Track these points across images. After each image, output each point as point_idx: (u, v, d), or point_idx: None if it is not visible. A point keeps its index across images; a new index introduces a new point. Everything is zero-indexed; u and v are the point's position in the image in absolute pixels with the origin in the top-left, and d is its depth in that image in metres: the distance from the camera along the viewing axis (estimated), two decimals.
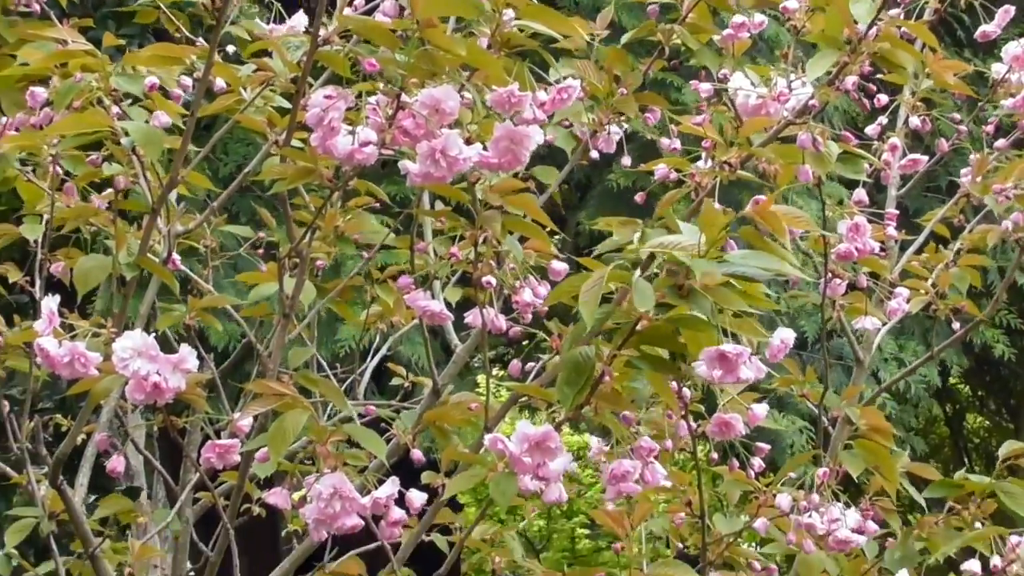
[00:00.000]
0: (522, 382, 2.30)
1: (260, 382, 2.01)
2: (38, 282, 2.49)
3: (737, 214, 1.87)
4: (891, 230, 2.82)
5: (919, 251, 3.03)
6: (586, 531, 11.92)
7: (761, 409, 2.35)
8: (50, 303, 2.05)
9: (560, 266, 2.35)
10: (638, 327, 1.86)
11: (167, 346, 2.00)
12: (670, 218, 1.90)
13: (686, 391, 2.19)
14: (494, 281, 2.25)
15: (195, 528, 2.72)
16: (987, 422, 11.20)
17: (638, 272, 1.82)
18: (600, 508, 2.65)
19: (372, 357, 2.83)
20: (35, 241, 2.44)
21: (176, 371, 1.96)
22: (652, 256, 1.83)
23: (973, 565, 2.11)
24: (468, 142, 2.01)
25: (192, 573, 2.64)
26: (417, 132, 1.95)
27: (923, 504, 2.46)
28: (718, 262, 1.80)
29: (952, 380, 9.72)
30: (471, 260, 2.23)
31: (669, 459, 2.60)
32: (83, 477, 2.65)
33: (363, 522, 1.96)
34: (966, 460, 10.59)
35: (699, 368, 1.86)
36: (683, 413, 2.29)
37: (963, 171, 3.00)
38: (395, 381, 2.85)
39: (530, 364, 2.42)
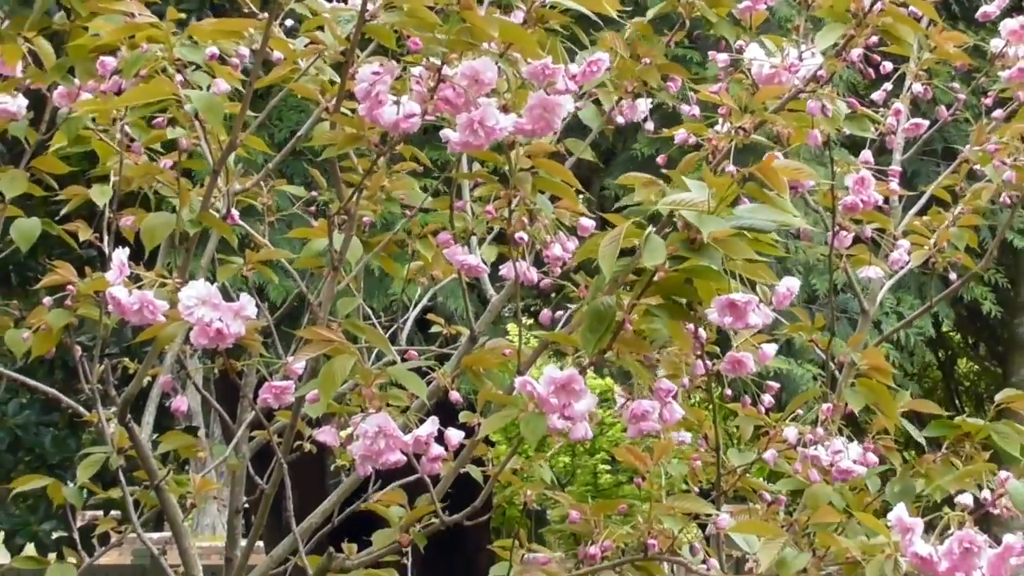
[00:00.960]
0: (551, 330, 2.32)
1: (311, 329, 2.02)
2: (106, 238, 2.51)
3: (739, 174, 1.89)
4: (894, 185, 2.84)
5: (921, 213, 3.05)
6: (607, 467, 11.97)
7: (770, 348, 2.38)
8: (120, 255, 2.07)
9: (588, 223, 2.37)
10: (655, 278, 1.88)
11: (227, 297, 2.02)
12: (677, 177, 1.91)
13: (702, 332, 2.20)
14: (526, 237, 2.26)
15: (250, 463, 2.74)
16: (976, 367, 11.22)
17: (651, 228, 1.86)
18: (621, 445, 2.66)
19: (414, 308, 2.85)
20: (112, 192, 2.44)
21: (237, 318, 1.98)
22: (671, 213, 1.85)
23: (966, 498, 2.11)
24: (504, 110, 2.02)
25: (247, 505, 2.65)
26: (457, 101, 1.96)
27: (923, 442, 2.47)
28: (726, 217, 1.82)
29: (945, 329, 9.76)
30: (505, 218, 2.25)
31: (685, 397, 2.61)
32: (149, 416, 2.67)
33: (405, 458, 1.97)
34: (957, 401, 10.63)
35: (711, 315, 1.89)
36: (699, 353, 2.31)
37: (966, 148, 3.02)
38: (435, 329, 2.86)
39: (559, 313, 2.43)
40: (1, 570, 6.54)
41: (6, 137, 2.64)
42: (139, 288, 2.05)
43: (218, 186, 2.33)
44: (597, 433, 9.95)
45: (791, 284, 2.14)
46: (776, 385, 2.72)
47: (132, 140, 2.44)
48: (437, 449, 2.01)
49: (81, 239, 2.63)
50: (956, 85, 3.12)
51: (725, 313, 1.90)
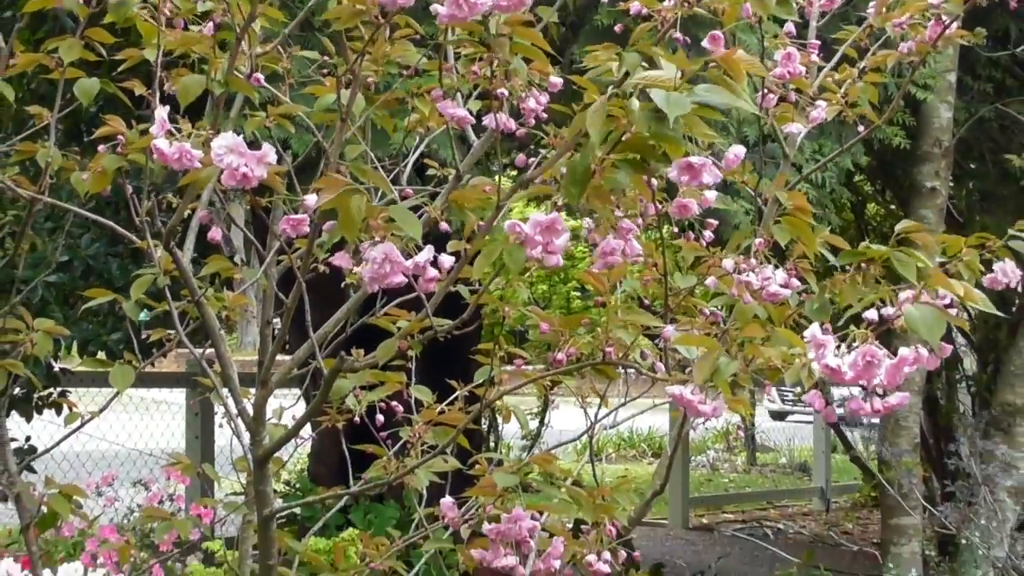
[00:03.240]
0: (525, 171, 2.34)
1: (326, 177, 2.02)
2: (157, 95, 2.50)
3: (705, 59, 1.92)
4: (814, 57, 2.90)
5: (833, 69, 3.06)
6: (578, 294, 12.09)
7: (711, 194, 2.42)
8: (161, 112, 2.09)
9: (556, 80, 2.39)
10: (623, 138, 1.91)
11: (254, 146, 2.03)
12: (645, 45, 1.94)
13: (654, 181, 2.23)
14: (506, 92, 2.28)
15: (277, 285, 2.75)
16: (883, 210, 11.29)
17: (635, 101, 1.89)
18: (585, 270, 2.69)
19: (412, 154, 2.85)
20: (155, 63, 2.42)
21: (259, 163, 2.00)
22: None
23: (871, 314, 2.12)
24: None
25: (276, 318, 2.67)
26: None
27: (838, 266, 2.49)
28: (688, 94, 1.86)
29: (858, 178, 9.85)
30: (487, 77, 2.26)
31: (641, 232, 2.64)
32: (189, 243, 2.67)
33: (406, 279, 2.00)
34: (866, 238, 10.73)
35: (671, 173, 1.94)
36: (651, 198, 2.34)
37: (870, 6, 3.02)
38: (430, 172, 2.87)
39: (531, 160, 2.45)
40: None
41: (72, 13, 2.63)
42: (178, 140, 2.07)
43: (243, 49, 2.33)
44: (569, 265, 10.02)
45: (738, 151, 2.26)
46: (715, 222, 2.76)
47: (171, 18, 2.42)
48: (432, 272, 2.04)
49: (136, 94, 2.62)
50: None
51: (683, 173, 1.99)
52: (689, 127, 1.91)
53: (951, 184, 8.32)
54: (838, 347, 2.03)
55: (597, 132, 1.89)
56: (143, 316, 6.36)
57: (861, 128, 3.05)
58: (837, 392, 9.58)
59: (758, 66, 2.03)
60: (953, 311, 2.13)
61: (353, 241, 2.01)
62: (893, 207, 10.52)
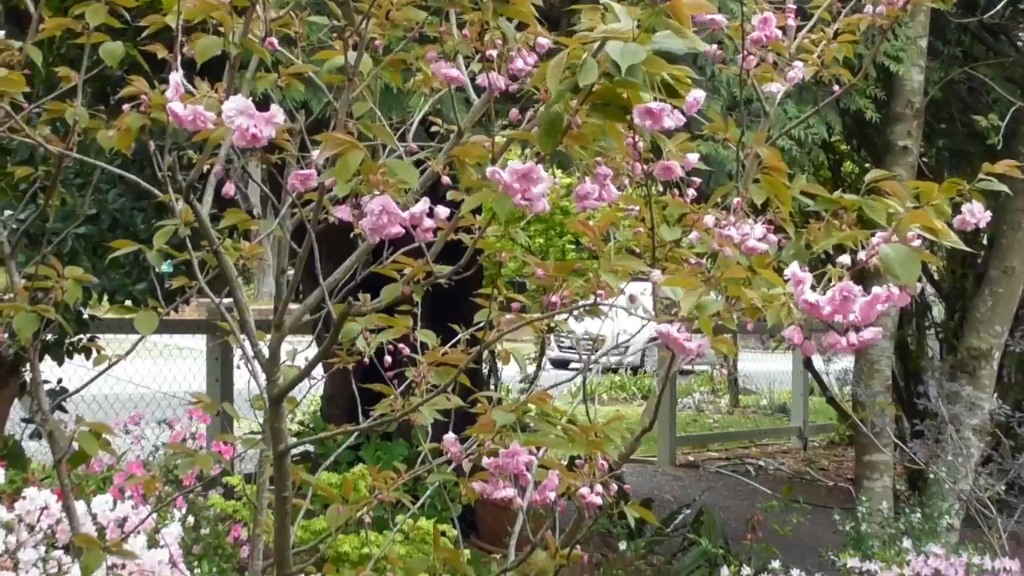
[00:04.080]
0: (518, 126, 2.34)
1: (327, 134, 2.03)
2: (178, 58, 2.49)
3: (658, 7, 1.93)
4: (790, 20, 2.89)
5: (809, 32, 3.05)
6: (572, 247, 12.09)
7: (693, 156, 2.44)
8: (176, 76, 2.11)
9: (544, 41, 2.38)
10: (594, 89, 1.92)
11: (262, 108, 2.03)
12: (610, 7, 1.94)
13: (640, 143, 2.24)
14: (495, 53, 2.28)
15: (291, 237, 2.75)
16: (858, 168, 11.31)
17: (587, 53, 1.90)
18: (576, 219, 2.69)
19: (418, 113, 2.83)
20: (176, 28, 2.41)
21: (268, 124, 2.01)
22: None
23: (844, 259, 2.13)
24: None
25: (290, 269, 2.66)
26: None
27: (816, 212, 2.50)
28: (646, 43, 1.88)
29: (835, 138, 9.88)
30: (477, 39, 2.27)
31: (629, 193, 2.64)
32: (208, 196, 2.67)
33: (404, 230, 2.00)
34: (842, 193, 10.76)
35: (636, 119, 1.94)
36: (637, 158, 2.34)
37: None
38: (435, 129, 2.86)
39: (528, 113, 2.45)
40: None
41: None
42: (194, 101, 2.08)
43: (258, 15, 2.33)
44: (563, 217, 10.00)
45: (698, 95, 2.27)
46: (698, 180, 2.76)
47: None
48: (428, 222, 2.05)
49: (159, 57, 2.62)
50: None
51: (645, 118, 1.97)
52: (650, 74, 1.92)
53: (922, 143, 8.33)
54: (814, 287, 2.05)
55: (555, 84, 1.91)
56: (166, 267, 6.35)
57: (837, 87, 3.04)
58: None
59: (706, 6, 2.03)
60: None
61: (345, 191, 2.02)
62: (868, 165, 10.51)
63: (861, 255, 2.12)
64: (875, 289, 2.02)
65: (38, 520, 4.03)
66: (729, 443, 15.64)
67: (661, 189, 2.77)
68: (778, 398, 19.29)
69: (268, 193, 2.91)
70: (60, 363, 7.03)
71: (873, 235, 2.15)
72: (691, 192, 2.71)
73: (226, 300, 2.80)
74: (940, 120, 9.19)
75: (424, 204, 2.01)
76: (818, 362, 12.02)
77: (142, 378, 9.36)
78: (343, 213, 2.12)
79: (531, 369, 10.67)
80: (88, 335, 6.85)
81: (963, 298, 10.92)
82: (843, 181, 11.21)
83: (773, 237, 2.50)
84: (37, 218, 3.30)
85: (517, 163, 1.94)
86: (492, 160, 2.11)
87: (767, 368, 19.62)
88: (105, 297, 6.78)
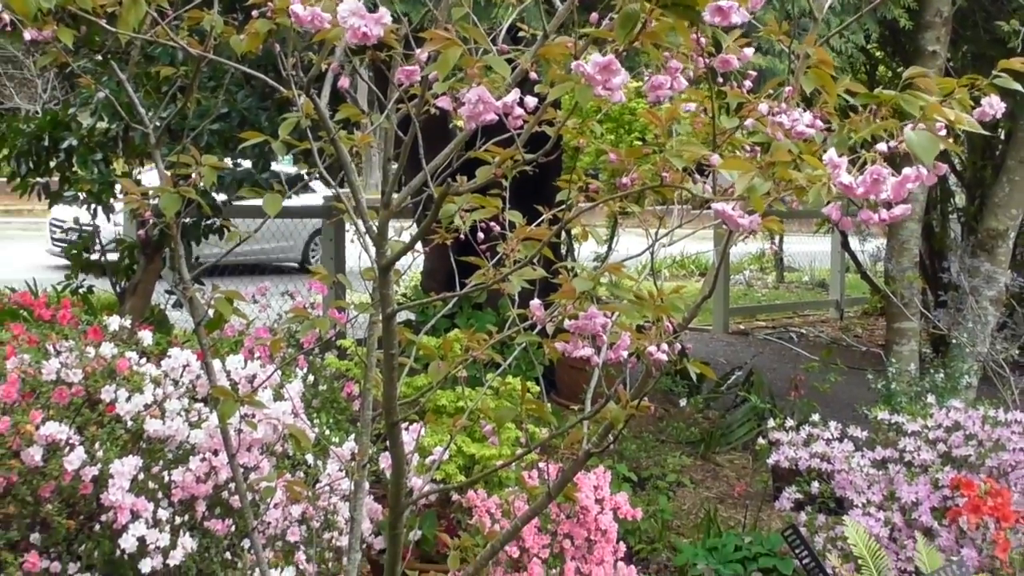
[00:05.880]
0: (598, 27, 2.30)
1: (431, 31, 2.00)
2: None
3: None
4: None
5: None
6: (640, 143, 11.97)
7: (749, 51, 2.40)
8: None
9: None
10: None
11: (374, 10, 2.01)
12: None
13: (703, 39, 2.20)
14: None
15: (397, 128, 2.73)
16: (891, 72, 11.13)
17: None
18: (644, 110, 2.66)
19: (506, 21, 2.80)
20: None
21: (377, 24, 1.99)
22: None
23: (881, 146, 2.09)
24: None
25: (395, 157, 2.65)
26: None
27: (857, 106, 2.45)
28: None
29: (871, 46, 9.70)
30: None
31: (692, 88, 2.60)
32: (325, 91, 2.66)
33: (497, 117, 1.99)
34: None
35: (705, 16, 1.91)
36: (700, 53, 2.30)
37: None
38: (521, 34, 2.82)
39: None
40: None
41: None
42: (312, 5, 2.07)
43: None
44: (632, 120, 9.90)
45: None
46: (755, 74, 2.71)
47: None
48: (519, 111, 2.03)
49: None
50: None
51: (715, 15, 1.96)
52: None
53: (948, 49, 8.18)
54: (849, 171, 2.02)
55: None
56: (287, 160, 6.35)
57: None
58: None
59: None
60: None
61: (445, 87, 2.01)
62: (900, 69, 10.33)
63: (893, 143, 2.10)
64: (905, 170, 2.00)
65: (181, 376, 4.10)
66: (775, 314, 15.60)
67: (721, 81, 2.73)
68: (818, 275, 19.21)
69: (375, 90, 2.89)
70: (197, 242, 7.11)
71: (905, 125, 2.12)
72: (747, 84, 2.66)
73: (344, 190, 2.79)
74: (965, 27, 8.98)
75: (515, 94, 1.99)
76: (854, 243, 11.95)
77: (267, 257, 9.44)
78: (444, 102, 2.10)
79: (603, 250, 10.65)
80: (221, 218, 6.92)
81: (982, 186, 10.80)
82: (877, 84, 11.02)
83: (820, 123, 2.47)
84: (177, 116, 3.30)
85: (599, 55, 1.92)
86: (575, 57, 2.08)
87: (809, 248, 19.51)
88: (235, 186, 6.83)
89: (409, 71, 2.19)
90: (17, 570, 3.51)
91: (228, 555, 3.91)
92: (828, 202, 2.06)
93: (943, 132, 2.12)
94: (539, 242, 2.52)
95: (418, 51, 2.18)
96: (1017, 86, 2.33)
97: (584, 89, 1.93)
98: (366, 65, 2.71)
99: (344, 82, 2.55)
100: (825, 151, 2.34)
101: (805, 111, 2.46)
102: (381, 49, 2.34)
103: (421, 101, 2.28)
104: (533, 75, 2.24)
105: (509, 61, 2.26)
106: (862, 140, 2.28)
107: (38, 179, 7.26)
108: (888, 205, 2.06)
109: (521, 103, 2.03)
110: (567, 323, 2.44)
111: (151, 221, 2.95)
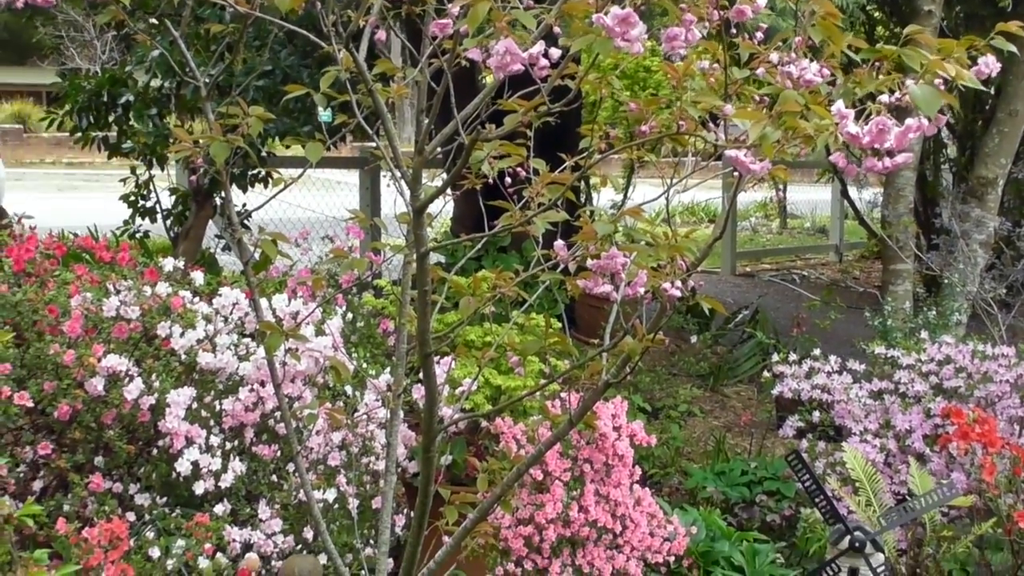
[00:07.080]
0: None
1: None
2: None
3: None
4: None
5: None
6: (654, 96, 11.86)
7: (761, 2, 2.35)
8: None
9: None
10: None
11: None
12: None
13: None
14: None
15: (429, 81, 2.70)
16: (888, 31, 11.04)
17: None
18: (663, 63, 2.62)
19: None
20: None
21: None
22: None
23: (885, 97, 2.06)
24: None
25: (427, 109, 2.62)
26: None
27: (858, 61, 2.41)
28: None
29: (870, 6, 9.61)
30: None
31: (705, 41, 2.56)
32: (363, 46, 2.63)
33: (523, 68, 1.96)
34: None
35: None
36: (715, 5, 2.27)
37: None
38: None
39: None
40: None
41: None
42: None
43: None
44: (646, 74, 9.80)
45: None
46: (765, 26, 2.67)
47: None
48: (544, 61, 2.01)
49: None
50: None
51: None
52: None
53: (943, 8, 8.09)
54: (856, 120, 1.99)
55: None
56: (326, 115, 6.33)
57: None
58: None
59: None
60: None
61: (474, 42, 1.97)
62: (896, 29, 10.22)
63: (896, 95, 2.07)
64: (908, 120, 1.97)
65: (231, 313, 4.10)
66: (779, 257, 15.57)
67: (734, 32, 2.68)
68: (819, 221, 19.14)
69: (408, 45, 2.85)
70: (244, 191, 7.10)
71: (905, 80, 2.09)
72: (759, 35, 2.62)
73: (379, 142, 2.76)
74: None
75: (540, 45, 1.97)
76: (853, 192, 11.89)
77: (308, 204, 9.43)
78: (474, 54, 2.07)
79: (619, 197, 10.61)
80: (266, 169, 6.90)
81: (973, 138, 10.73)
82: (876, 42, 10.95)
83: (827, 72, 2.43)
84: (225, 73, 3.28)
85: (618, 9, 1.88)
86: (596, 11, 2.04)
87: (810, 197, 19.43)
88: (279, 138, 6.81)
89: (442, 24, 2.16)
90: (83, 490, 3.54)
91: (274, 478, 3.92)
92: (835, 151, 2.04)
93: (943, 86, 2.09)
94: (563, 186, 2.49)
95: (450, 5, 2.14)
96: (1012, 47, 2.29)
97: (604, 41, 1.90)
98: (400, 22, 2.68)
99: (381, 35, 2.51)
100: (831, 103, 2.31)
101: (811, 60, 2.43)
102: (416, 3, 2.30)
103: (453, 51, 2.24)
104: (556, 29, 2.20)
105: (534, 16, 2.23)
106: (866, 93, 2.25)
107: (98, 132, 7.26)
108: (890, 154, 2.04)
109: (546, 55, 2.00)
110: (589, 263, 2.42)
111: (202, 169, 2.93)
